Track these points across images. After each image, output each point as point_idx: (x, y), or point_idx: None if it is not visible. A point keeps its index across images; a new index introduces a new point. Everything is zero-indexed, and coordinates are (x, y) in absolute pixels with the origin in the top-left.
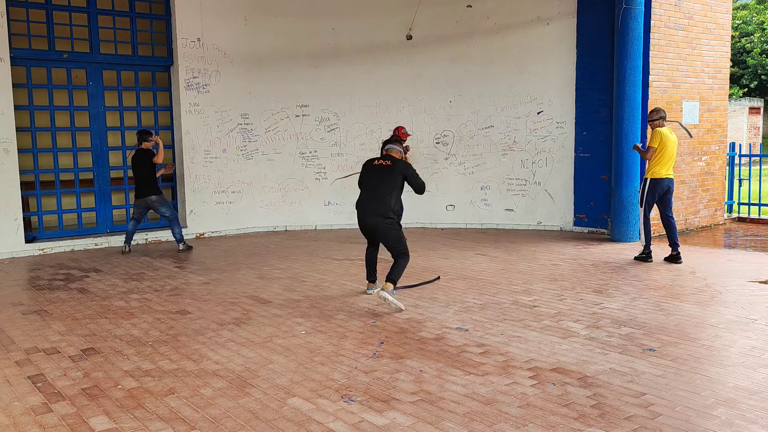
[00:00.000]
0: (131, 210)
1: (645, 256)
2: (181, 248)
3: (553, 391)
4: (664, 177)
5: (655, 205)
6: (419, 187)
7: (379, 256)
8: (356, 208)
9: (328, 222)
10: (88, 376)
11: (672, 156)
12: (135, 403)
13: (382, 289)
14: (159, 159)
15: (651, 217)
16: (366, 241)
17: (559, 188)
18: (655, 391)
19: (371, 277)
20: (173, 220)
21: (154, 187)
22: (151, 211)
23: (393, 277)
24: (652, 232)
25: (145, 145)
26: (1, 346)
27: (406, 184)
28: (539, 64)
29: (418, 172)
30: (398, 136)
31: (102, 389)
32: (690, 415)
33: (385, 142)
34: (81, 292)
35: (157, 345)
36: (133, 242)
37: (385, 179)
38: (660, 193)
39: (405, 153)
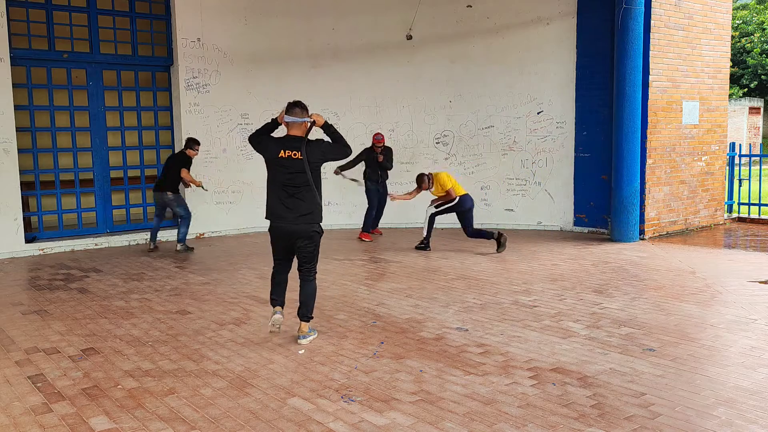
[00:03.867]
0: (132, 209)
1: (423, 246)
2: (178, 248)
3: (553, 391)
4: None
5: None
6: (346, 153)
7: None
8: (270, 213)
9: (328, 222)
10: (88, 376)
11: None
12: (135, 403)
13: (303, 337)
14: (186, 175)
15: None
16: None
17: (559, 188)
18: (655, 391)
19: (282, 299)
20: (185, 221)
21: (173, 185)
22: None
23: (310, 311)
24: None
25: (189, 152)
26: (1, 346)
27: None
28: (539, 64)
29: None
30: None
31: (102, 389)
32: (690, 415)
33: (285, 113)
34: (81, 292)
35: (157, 345)
36: (133, 242)
37: (303, 172)
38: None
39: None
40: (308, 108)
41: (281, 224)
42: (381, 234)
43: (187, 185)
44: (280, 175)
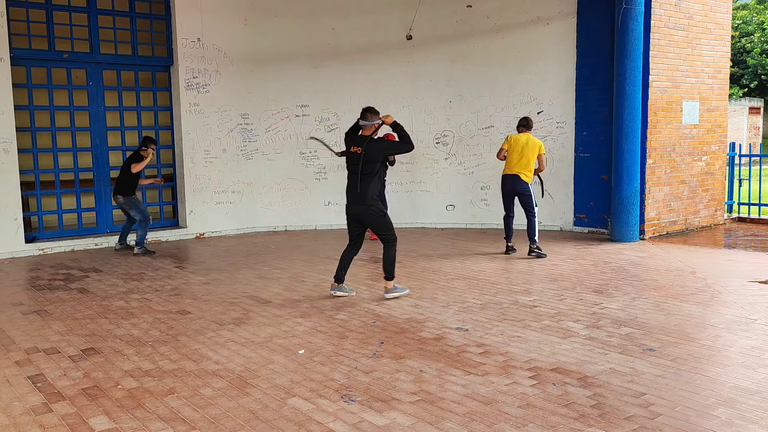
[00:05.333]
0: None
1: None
2: (135, 251)
3: (553, 391)
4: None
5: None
6: (407, 150)
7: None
8: (346, 196)
9: (328, 222)
10: (88, 376)
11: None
12: (135, 403)
13: (388, 292)
14: (135, 168)
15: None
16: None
17: (559, 188)
18: (655, 391)
19: (339, 276)
20: (142, 224)
21: (124, 188)
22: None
23: (391, 273)
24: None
25: (143, 151)
26: (1, 346)
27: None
28: (539, 64)
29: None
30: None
31: (102, 389)
32: (690, 415)
33: (360, 118)
34: (81, 292)
35: (157, 345)
36: (133, 242)
37: (364, 164)
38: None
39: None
40: (379, 112)
41: (348, 205)
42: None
43: (151, 181)
44: (349, 166)
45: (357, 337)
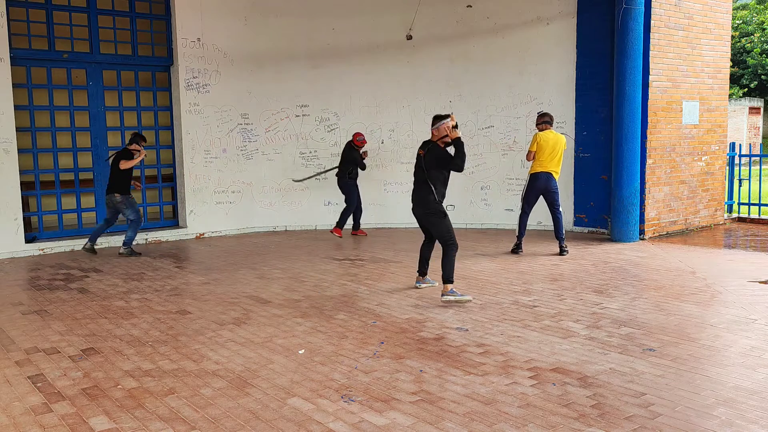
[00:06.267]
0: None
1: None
2: (121, 251)
3: (553, 391)
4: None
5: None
6: (455, 168)
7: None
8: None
9: (328, 222)
10: (88, 376)
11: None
12: (135, 403)
13: (443, 294)
14: (124, 165)
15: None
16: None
17: (559, 188)
18: (655, 391)
19: (421, 270)
20: (133, 225)
21: (120, 187)
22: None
23: (448, 275)
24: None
25: (133, 147)
26: (1, 346)
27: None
28: (539, 64)
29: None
30: (354, 143)
31: (102, 389)
32: (690, 415)
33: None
34: (81, 292)
35: (157, 345)
36: (133, 242)
37: (420, 168)
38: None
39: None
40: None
41: (412, 207)
42: (366, 235)
43: (136, 185)
44: (414, 168)
45: (357, 337)
